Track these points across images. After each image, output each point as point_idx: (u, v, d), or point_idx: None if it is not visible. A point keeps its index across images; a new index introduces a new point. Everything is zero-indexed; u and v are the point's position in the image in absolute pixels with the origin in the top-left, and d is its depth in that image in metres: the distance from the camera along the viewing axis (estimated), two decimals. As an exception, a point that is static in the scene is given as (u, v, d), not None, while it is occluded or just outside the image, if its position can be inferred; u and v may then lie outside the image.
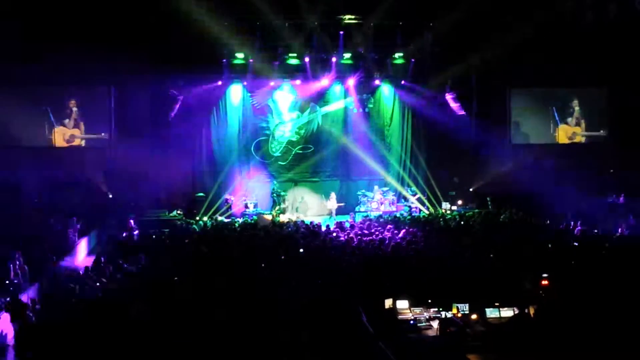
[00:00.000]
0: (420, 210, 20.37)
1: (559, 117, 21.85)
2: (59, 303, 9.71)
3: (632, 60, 19.38)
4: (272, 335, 7.31)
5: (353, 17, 19.45)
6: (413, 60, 20.77)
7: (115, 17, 17.37)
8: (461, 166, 21.29)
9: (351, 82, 21.06)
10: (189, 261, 11.87)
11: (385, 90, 21.68)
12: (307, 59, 20.15)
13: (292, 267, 11.18)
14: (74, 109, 19.28)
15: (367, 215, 19.09)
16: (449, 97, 21.07)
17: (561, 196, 17.66)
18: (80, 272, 11.59)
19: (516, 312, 8.21)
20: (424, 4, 18.87)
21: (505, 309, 8.29)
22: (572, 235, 14.76)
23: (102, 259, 12.29)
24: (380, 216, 18.66)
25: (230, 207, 19.78)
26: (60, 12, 17.13)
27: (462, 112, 21.19)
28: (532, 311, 8.17)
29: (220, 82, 20.31)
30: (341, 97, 21.44)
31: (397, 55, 20.54)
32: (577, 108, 21.80)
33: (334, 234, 15.11)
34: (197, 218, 18.91)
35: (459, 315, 8.33)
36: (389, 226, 15.77)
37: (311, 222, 16.82)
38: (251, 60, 19.94)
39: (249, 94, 20.89)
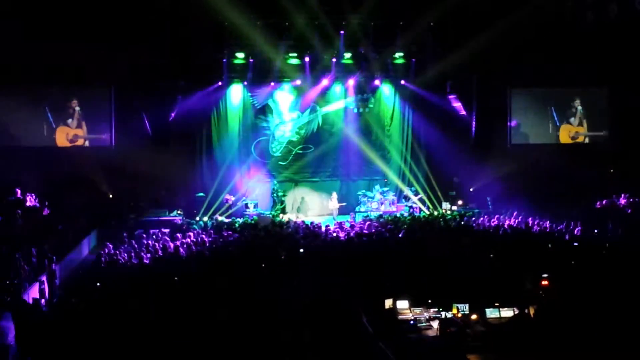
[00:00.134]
0: (420, 210, 20.39)
1: (560, 117, 21.81)
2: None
3: (632, 60, 19.38)
4: (273, 335, 7.32)
5: (354, 17, 19.43)
6: (414, 60, 20.78)
7: (115, 17, 17.37)
8: (461, 166, 21.29)
9: (351, 82, 21.08)
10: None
11: (386, 90, 21.69)
12: (307, 59, 20.15)
13: (292, 267, 11.19)
14: (77, 108, 19.27)
15: (367, 216, 19.10)
16: (449, 97, 21.07)
17: (561, 196, 17.74)
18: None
19: (516, 312, 8.21)
20: (424, 4, 18.87)
21: (505, 309, 8.30)
22: (572, 235, 14.77)
23: (102, 259, 12.32)
24: (381, 216, 18.68)
25: (230, 207, 19.80)
26: (60, 12, 17.13)
27: (463, 112, 21.21)
28: (532, 311, 8.17)
29: (220, 83, 20.31)
30: (341, 97, 21.43)
31: (397, 55, 20.55)
32: (579, 107, 21.77)
33: (334, 234, 15.13)
34: (197, 218, 18.93)
35: (459, 315, 8.34)
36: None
37: (311, 222, 16.84)
38: (251, 60, 19.95)
39: (249, 94, 20.89)
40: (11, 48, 17.03)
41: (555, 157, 20.65)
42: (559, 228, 15.42)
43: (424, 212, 20.30)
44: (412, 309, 8.58)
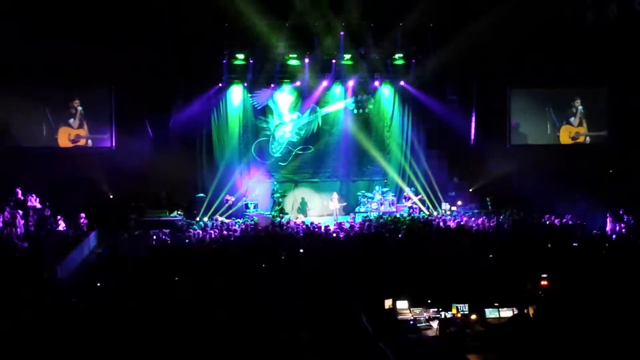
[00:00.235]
0: (420, 210, 20.40)
1: (559, 117, 21.77)
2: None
3: (632, 60, 19.38)
4: (272, 335, 7.33)
5: (354, 17, 19.44)
6: (413, 60, 20.79)
7: (115, 16, 17.39)
8: (461, 166, 21.29)
9: (351, 82, 21.09)
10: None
11: (386, 91, 21.69)
12: (307, 60, 20.17)
13: (292, 267, 11.21)
14: (79, 108, 19.28)
15: (367, 216, 19.12)
16: (449, 97, 21.07)
17: (561, 197, 17.72)
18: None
19: (515, 312, 8.22)
20: (424, 5, 18.89)
21: (505, 309, 8.30)
22: (572, 235, 14.78)
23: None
24: (380, 216, 18.69)
25: (230, 207, 19.82)
26: (60, 12, 17.15)
27: (462, 113, 21.20)
28: (531, 311, 8.18)
29: (220, 85, 20.32)
30: (341, 98, 21.45)
31: (397, 55, 20.57)
32: (579, 107, 21.75)
33: (334, 234, 15.15)
34: (198, 218, 18.95)
35: (459, 315, 8.34)
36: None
37: (311, 223, 16.86)
38: (251, 61, 19.96)
39: (249, 95, 20.91)
40: (11, 48, 17.04)
41: (555, 158, 20.65)
42: (559, 225, 15.46)
43: (424, 212, 20.31)
44: (411, 309, 8.58)
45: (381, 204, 20.29)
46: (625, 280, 9.44)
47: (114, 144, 19.36)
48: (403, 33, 19.95)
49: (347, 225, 16.99)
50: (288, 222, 17.58)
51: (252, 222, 18.03)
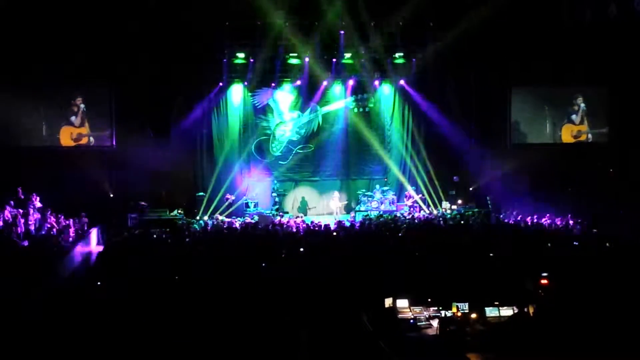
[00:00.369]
0: (420, 209, 20.42)
1: (560, 116, 21.75)
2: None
3: (632, 60, 19.39)
4: (272, 335, 7.34)
5: (353, 16, 19.43)
6: (414, 59, 20.79)
7: (116, 17, 17.40)
8: (461, 165, 21.30)
9: (351, 82, 21.10)
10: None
11: (386, 90, 21.70)
12: (307, 59, 20.18)
13: (292, 266, 11.22)
14: (81, 106, 19.26)
15: (367, 215, 19.13)
16: (449, 96, 21.07)
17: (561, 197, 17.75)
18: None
19: (516, 311, 8.23)
20: (424, 4, 18.88)
21: (505, 308, 8.31)
22: (572, 235, 14.79)
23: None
24: (380, 215, 18.70)
25: (230, 206, 19.83)
26: (61, 11, 17.16)
27: (462, 112, 21.20)
28: (531, 310, 8.19)
29: (221, 84, 20.32)
30: (341, 97, 21.46)
31: (397, 55, 20.56)
32: (582, 105, 21.72)
33: (335, 233, 15.16)
34: (198, 217, 18.96)
35: (459, 314, 8.35)
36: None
37: (312, 222, 16.88)
38: (252, 60, 19.97)
39: (250, 94, 20.92)
40: (11, 48, 17.05)
41: (557, 157, 20.66)
42: (559, 225, 15.47)
43: (424, 211, 20.33)
44: (411, 307, 8.60)
45: (381, 203, 20.31)
46: (625, 279, 9.45)
47: (114, 143, 19.36)
48: (403, 31, 19.93)
49: (347, 224, 17.00)
50: (288, 221, 17.60)
51: (253, 221, 18.05)
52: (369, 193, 20.78)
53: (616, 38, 18.86)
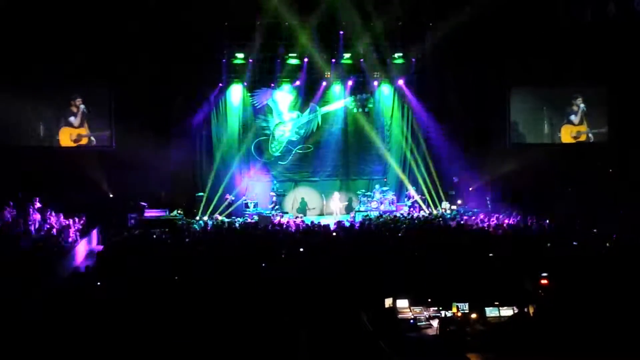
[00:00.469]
0: (420, 209, 20.42)
1: (559, 116, 21.76)
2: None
3: (631, 59, 19.40)
4: (271, 335, 7.34)
5: (353, 17, 19.43)
6: (413, 60, 20.80)
7: (116, 16, 17.39)
8: (461, 166, 21.30)
9: (350, 82, 21.10)
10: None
11: (385, 90, 21.71)
12: (306, 59, 20.17)
13: (292, 266, 11.22)
14: (81, 106, 19.25)
15: (367, 215, 19.13)
16: (448, 96, 21.08)
17: (561, 196, 17.73)
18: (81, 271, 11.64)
19: (516, 311, 8.23)
20: (424, 5, 18.88)
21: (505, 308, 8.30)
22: (572, 235, 14.78)
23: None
24: (380, 215, 18.70)
25: (229, 206, 19.83)
26: (60, 11, 17.15)
27: (462, 111, 21.20)
28: (531, 310, 8.19)
29: (220, 84, 20.32)
30: (341, 97, 21.46)
31: (397, 55, 20.57)
32: (582, 105, 21.71)
33: (334, 233, 15.16)
34: (197, 218, 18.96)
35: (459, 314, 8.34)
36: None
37: (312, 222, 16.88)
38: (251, 60, 19.97)
39: (249, 94, 20.92)
40: (11, 48, 17.04)
41: (556, 157, 20.67)
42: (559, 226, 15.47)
43: (424, 211, 20.33)
44: (411, 308, 8.58)
45: (381, 203, 20.32)
46: (625, 279, 9.45)
47: (114, 143, 19.35)
48: (402, 32, 19.93)
49: (347, 224, 17.00)
50: (288, 221, 17.60)
51: (252, 221, 18.05)
52: (368, 193, 20.78)
53: (615, 37, 18.87)
